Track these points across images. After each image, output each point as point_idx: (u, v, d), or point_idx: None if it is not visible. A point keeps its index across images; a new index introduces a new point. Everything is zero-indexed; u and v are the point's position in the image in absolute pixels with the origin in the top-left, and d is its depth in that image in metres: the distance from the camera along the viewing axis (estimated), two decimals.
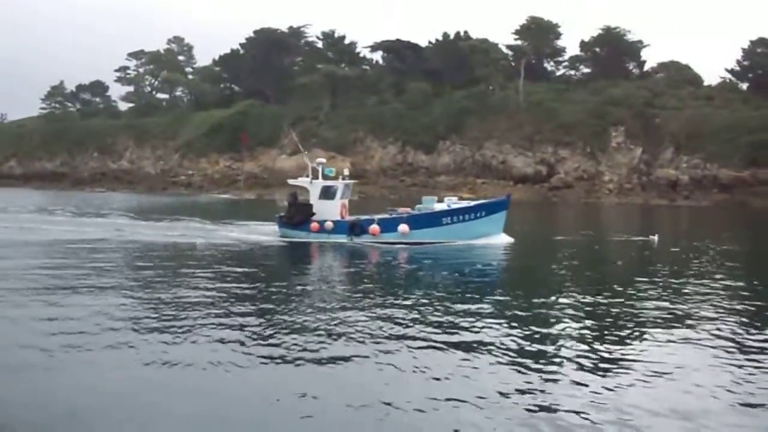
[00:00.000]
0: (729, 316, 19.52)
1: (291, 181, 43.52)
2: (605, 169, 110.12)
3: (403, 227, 38.19)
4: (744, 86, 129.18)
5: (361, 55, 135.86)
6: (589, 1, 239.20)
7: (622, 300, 21.86)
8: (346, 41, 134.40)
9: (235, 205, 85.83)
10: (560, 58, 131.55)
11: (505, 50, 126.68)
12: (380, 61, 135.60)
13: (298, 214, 39.91)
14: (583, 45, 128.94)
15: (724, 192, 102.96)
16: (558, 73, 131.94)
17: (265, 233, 41.94)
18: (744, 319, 19.29)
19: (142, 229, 42.76)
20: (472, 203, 41.13)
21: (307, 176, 41.21)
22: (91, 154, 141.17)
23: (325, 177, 40.50)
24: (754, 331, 17.77)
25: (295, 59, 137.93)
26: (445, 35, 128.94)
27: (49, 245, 34.62)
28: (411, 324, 17.72)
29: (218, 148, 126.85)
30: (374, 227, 38.44)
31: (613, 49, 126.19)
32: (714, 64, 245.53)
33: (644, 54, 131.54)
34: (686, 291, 23.80)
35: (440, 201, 41.24)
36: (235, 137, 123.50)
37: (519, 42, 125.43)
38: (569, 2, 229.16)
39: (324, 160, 42.21)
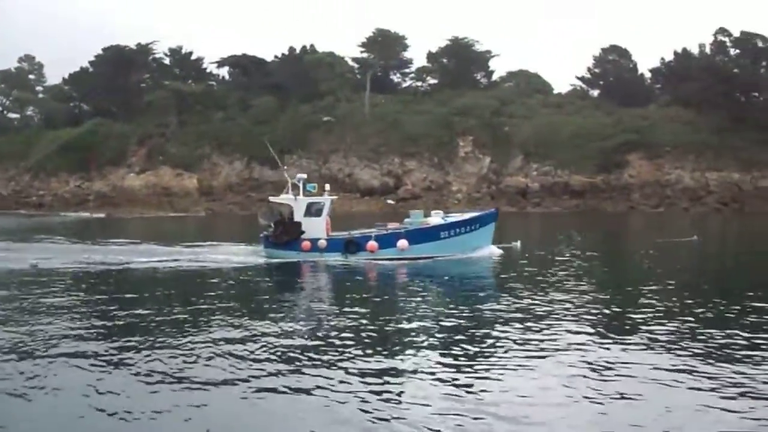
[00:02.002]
0: (598, 314, 21.63)
1: (273, 199, 41.75)
2: (453, 179, 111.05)
3: (402, 242, 37.55)
4: (595, 93, 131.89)
5: (208, 70, 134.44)
6: (437, 12, 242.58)
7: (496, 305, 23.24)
8: (193, 57, 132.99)
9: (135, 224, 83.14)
10: (407, 70, 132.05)
11: (351, 63, 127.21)
12: (227, 77, 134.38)
13: (287, 233, 38.32)
14: (431, 56, 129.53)
15: (575, 198, 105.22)
16: (405, 85, 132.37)
17: (243, 254, 39.98)
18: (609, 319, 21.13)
19: (123, 256, 38.80)
20: (466, 216, 40.43)
21: (287, 192, 39.70)
22: None
23: (307, 193, 38.97)
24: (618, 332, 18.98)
25: (143, 76, 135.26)
26: (291, 49, 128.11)
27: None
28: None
29: (68, 167, 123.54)
30: (372, 243, 37.49)
31: (460, 60, 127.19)
32: (565, 72, 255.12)
33: (492, 63, 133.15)
34: (553, 293, 25.45)
35: (426, 215, 41.00)
36: (84, 156, 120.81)
37: (365, 54, 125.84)
38: (417, 14, 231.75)
39: (305, 176, 40.25)
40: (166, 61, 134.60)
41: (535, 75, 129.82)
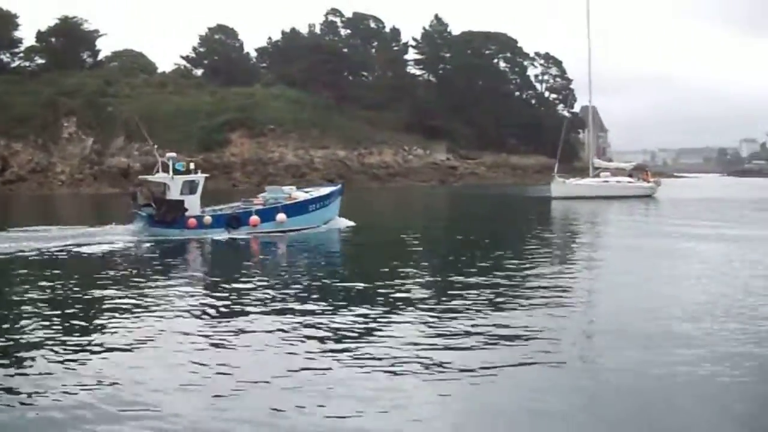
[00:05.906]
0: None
1: (149, 178, 41.22)
2: (57, 160, 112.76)
3: (281, 216, 39.29)
4: (199, 72, 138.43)
5: None
6: None
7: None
8: None
9: None
10: (16, 50, 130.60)
11: None
12: None
13: (171, 212, 38.36)
14: (39, 35, 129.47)
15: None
16: (14, 65, 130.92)
17: (115, 234, 38.15)
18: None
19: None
20: (325, 190, 44.15)
21: (158, 171, 40.03)
22: None
23: (177, 172, 39.21)
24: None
25: None
26: None
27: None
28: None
29: None
30: (254, 218, 38.93)
31: (68, 39, 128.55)
32: (172, 52, 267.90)
33: (100, 43, 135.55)
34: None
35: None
36: None
37: None
38: None
39: (175, 155, 40.64)
40: None
41: (140, 54, 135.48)
